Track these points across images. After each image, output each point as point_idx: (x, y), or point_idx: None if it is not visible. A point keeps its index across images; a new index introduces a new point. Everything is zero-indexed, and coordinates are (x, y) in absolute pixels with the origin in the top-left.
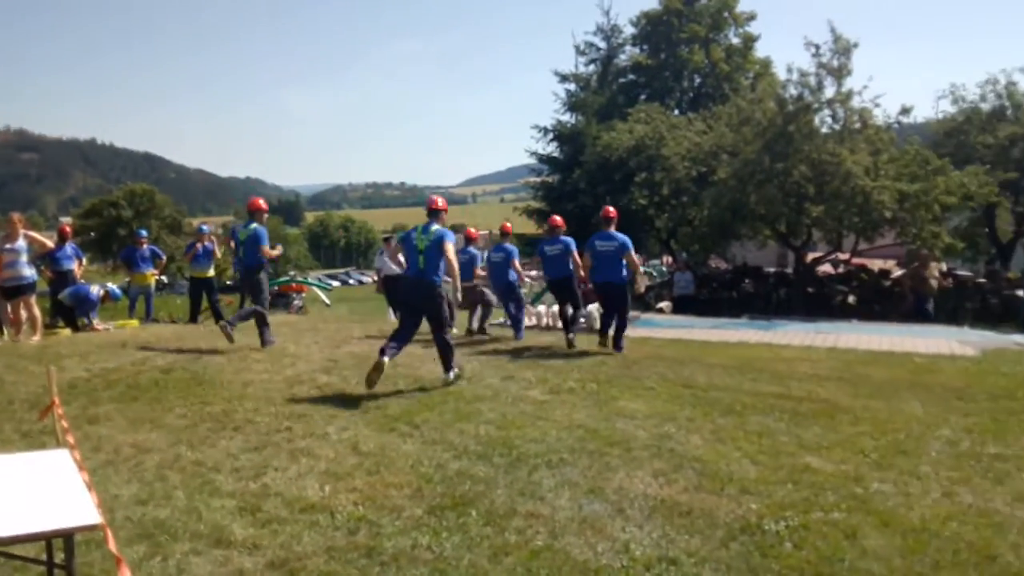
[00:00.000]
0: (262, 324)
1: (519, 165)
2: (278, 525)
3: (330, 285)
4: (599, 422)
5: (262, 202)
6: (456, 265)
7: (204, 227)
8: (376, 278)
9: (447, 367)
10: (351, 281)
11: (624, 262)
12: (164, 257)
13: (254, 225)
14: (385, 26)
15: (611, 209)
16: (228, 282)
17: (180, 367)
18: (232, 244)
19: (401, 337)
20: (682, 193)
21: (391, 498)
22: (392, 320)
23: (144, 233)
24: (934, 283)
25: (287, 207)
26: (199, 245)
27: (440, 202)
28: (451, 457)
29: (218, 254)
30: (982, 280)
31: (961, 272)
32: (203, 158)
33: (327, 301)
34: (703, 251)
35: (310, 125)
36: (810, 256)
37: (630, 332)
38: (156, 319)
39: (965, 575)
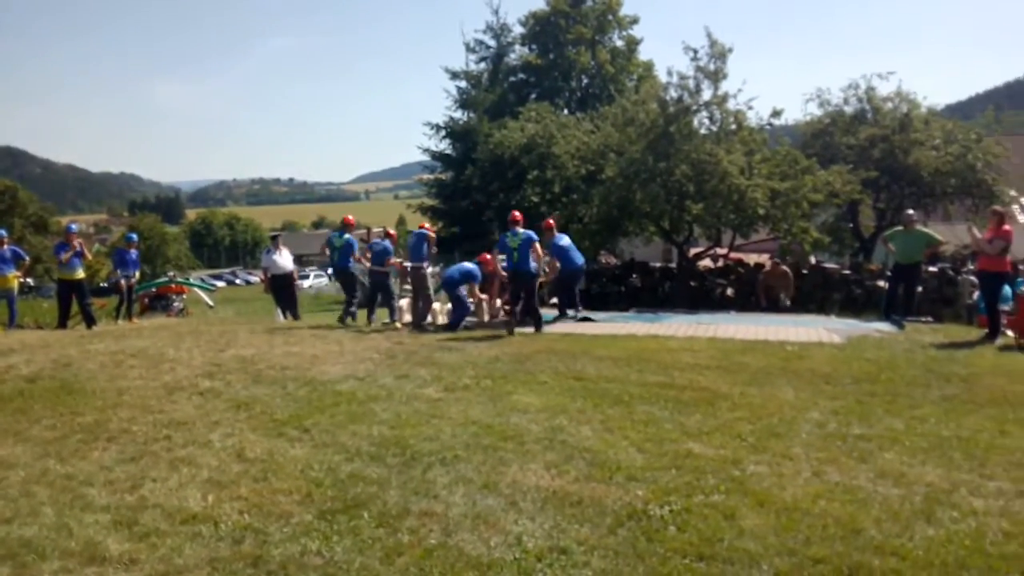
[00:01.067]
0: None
1: (413, 162)
2: (157, 538)
3: (213, 286)
4: (493, 418)
5: (351, 218)
6: (541, 257)
7: (72, 226)
8: (263, 277)
9: (539, 326)
10: (238, 281)
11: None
12: (28, 258)
13: (347, 236)
14: (267, 19)
15: (517, 213)
16: (102, 284)
17: (47, 375)
18: (327, 250)
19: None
20: (572, 191)
21: (279, 505)
22: (281, 321)
23: (4, 233)
24: (784, 294)
25: (166, 204)
26: (72, 248)
27: (518, 215)
28: (343, 460)
29: (88, 255)
30: (847, 272)
31: (828, 264)
32: (73, 153)
33: (210, 303)
34: (593, 247)
35: (191, 120)
36: (692, 251)
37: (526, 328)
38: (20, 325)
39: (833, 549)
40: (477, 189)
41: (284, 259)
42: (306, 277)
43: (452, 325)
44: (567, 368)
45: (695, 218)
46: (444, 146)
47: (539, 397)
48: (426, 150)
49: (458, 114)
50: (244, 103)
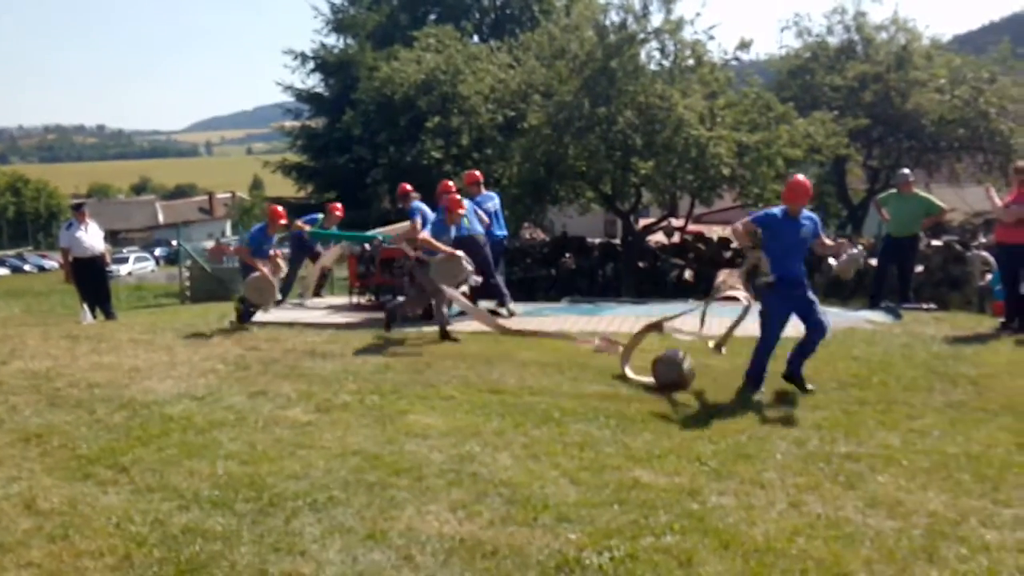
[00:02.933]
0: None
1: (270, 104)
2: None
3: None
4: (382, 445)
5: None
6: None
7: None
8: (64, 261)
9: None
10: (27, 267)
11: None
12: None
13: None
14: None
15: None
16: None
17: None
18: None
19: None
20: (486, 144)
21: (84, 572)
22: (89, 321)
23: None
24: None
25: None
26: None
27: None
28: (175, 508)
29: None
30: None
31: None
32: None
33: None
34: (514, 218)
35: None
36: (641, 223)
37: (422, 326)
38: None
39: None
40: (359, 141)
41: (92, 237)
42: (123, 261)
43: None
44: (480, 378)
45: (644, 180)
46: (313, 83)
47: (443, 417)
48: (288, 88)
49: (331, 40)
50: (32, 25)
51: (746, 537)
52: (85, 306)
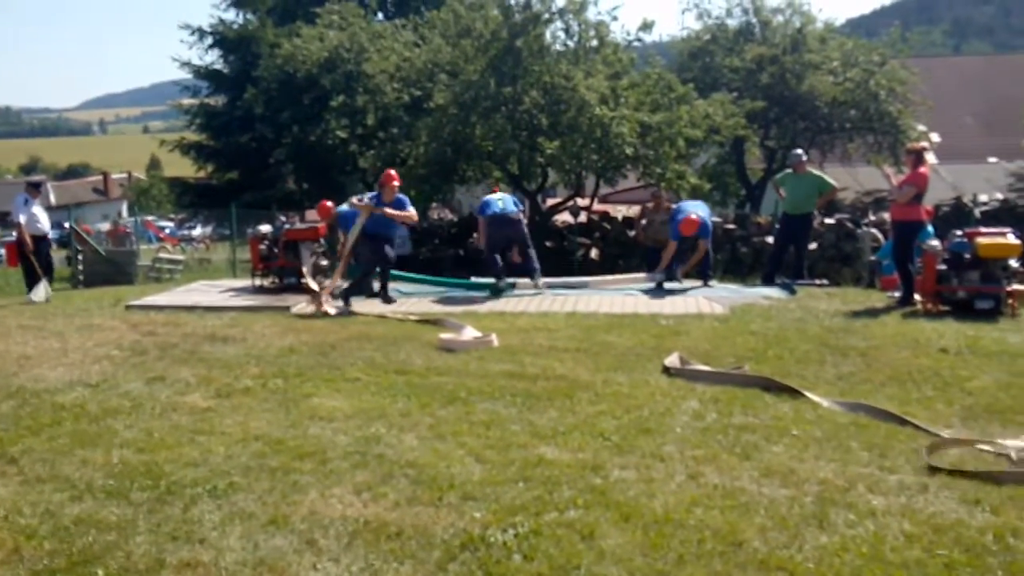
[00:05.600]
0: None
1: (167, 81)
2: None
3: None
4: (285, 430)
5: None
6: None
7: None
8: (20, 236)
9: None
10: None
11: None
12: None
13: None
14: None
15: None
16: None
17: None
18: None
19: None
20: (392, 123)
21: None
22: (41, 298)
23: None
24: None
25: None
26: None
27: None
28: (67, 499)
29: None
30: (731, 226)
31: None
32: None
33: None
34: (422, 198)
35: None
36: (548, 203)
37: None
38: None
39: (710, 568)
40: (261, 119)
41: (43, 215)
42: None
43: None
44: (386, 359)
45: (550, 160)
46: (212, 59)
47: (348, 399)
48: (185, 64)
49: (230, 15)
50: None
51: (646, 509)
52: (43, 283)
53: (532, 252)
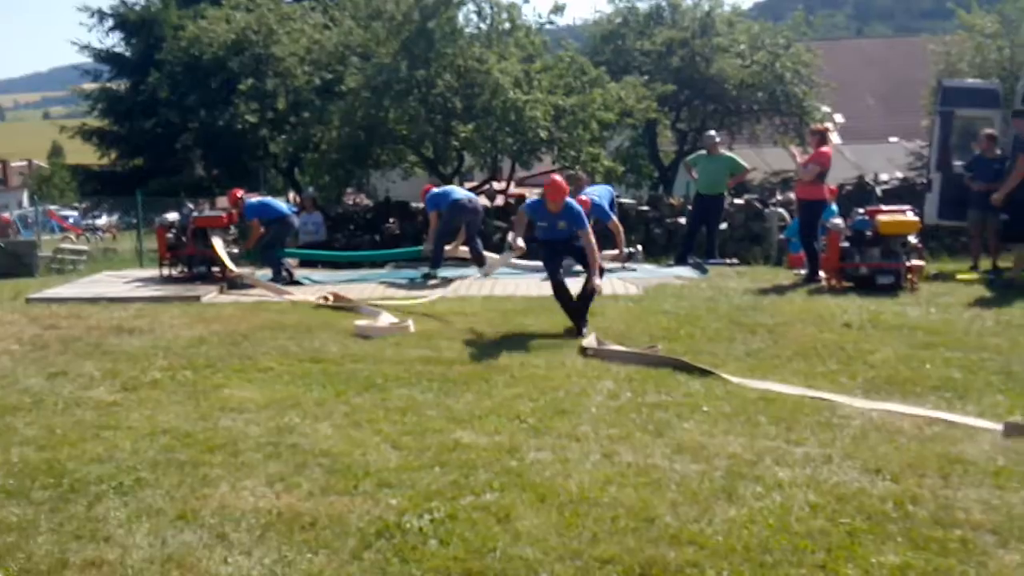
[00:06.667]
0: None
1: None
2: None
3: None
4: (195, 422)
5: None
6: None
7: None
8: None
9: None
10: None
11: None
12: None
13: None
14: None
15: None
16: None
17: None
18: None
19: None
20: (303, 107)
21: None
22: None
23: None
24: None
25: None
26: None
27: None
28: None
29: None
30: (645, 208)
31: (624, 200)
32: None
33: None
34: (336, 184)
35: None
36: (465, 187)
37: (237, 297)
38: None
39: (623, 545)
40: (166, 104)
41: None
42: None
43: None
44: (300, 347)
45: (465, 143)
46: (113, 42)
47: (261, 389)
48: (85, 47)
49: None
50: None
51: (561, 489)
52: None
53: (479, 242)
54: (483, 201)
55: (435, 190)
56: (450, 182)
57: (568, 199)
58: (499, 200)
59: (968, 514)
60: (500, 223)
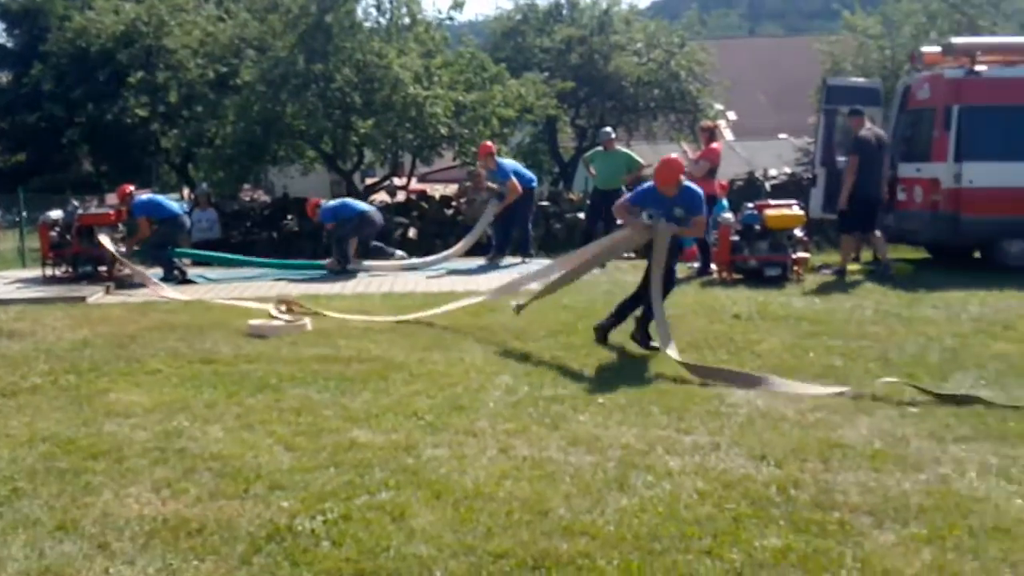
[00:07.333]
0: None
1: None
2: None
3: None
4: (77, 428)
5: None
6: None
7: None
8: None
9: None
10: None
11: None
12: None
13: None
14: None
15: None
16: None
17: None
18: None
19: None
20: (196, 101)
21: None
22: None
23: None
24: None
25: None
26: None
27: None
28: None
29: None
30: (545, 203)
31: None
32: None
33: None
34: (232, 180)
35: None
36: (366, 182)
37: (124, 297)
38: None
39: (517, 538)
40: (52, 97)
41: None
42: None
43: None
44: (191, 348)
45: (364, 139)
46: None
47: (149, 392)
48: None
49: None
50: None
51: (457, 486)
52: None
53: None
54: (383, 197)
55: (329, 203)
56: (350, 178)
57: (686, 181)
58: (400, 196)
59: (846, 497)
60: (401, 219)
